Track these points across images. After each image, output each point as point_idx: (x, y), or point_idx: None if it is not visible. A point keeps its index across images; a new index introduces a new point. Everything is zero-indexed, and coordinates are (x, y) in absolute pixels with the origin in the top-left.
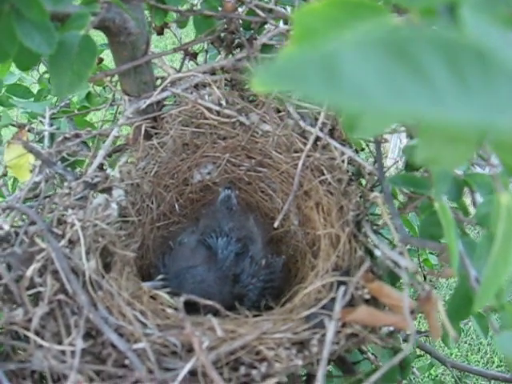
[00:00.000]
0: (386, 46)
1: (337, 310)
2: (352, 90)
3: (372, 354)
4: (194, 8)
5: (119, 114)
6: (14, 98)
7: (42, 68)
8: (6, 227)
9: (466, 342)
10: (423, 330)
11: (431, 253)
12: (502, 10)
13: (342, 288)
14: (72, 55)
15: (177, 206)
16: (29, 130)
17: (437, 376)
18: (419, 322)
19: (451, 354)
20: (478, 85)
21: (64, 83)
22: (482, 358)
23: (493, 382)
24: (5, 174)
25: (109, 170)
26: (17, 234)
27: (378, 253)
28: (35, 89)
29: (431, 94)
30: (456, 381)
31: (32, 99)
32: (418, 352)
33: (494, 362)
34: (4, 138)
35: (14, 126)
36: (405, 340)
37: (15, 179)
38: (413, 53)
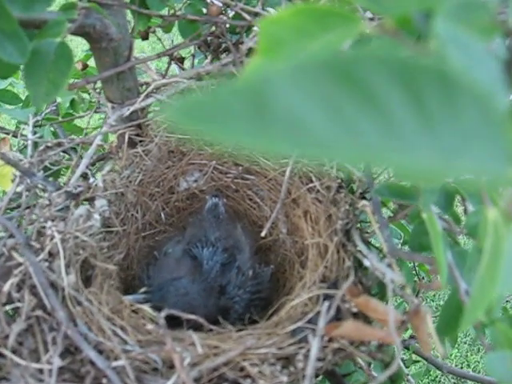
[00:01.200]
0: (328, 71)
1: (321, 325)
2: (287, 128)
3: (365, 362)
4: (178, 12)
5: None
6: (2, 104)
7: None
8: None
9: (465, 343)
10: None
11: None
12: (481, 18)
13: (327, 303)
14: (47, 64)
15: (163, 215)
16: (15, 137)
17: (436, 377)
18: None
19: (451, 355)
20: (440, 114)
21: (40, 93)
22: (481, 358)
23: None
24: None
25: (92, 179)
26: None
27: (367, 263)
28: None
29: (386, 129)
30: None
31: (20, 105)
32: (414, 358)
33: None
34: None
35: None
36: (406, 348)
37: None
38: (362, 77)
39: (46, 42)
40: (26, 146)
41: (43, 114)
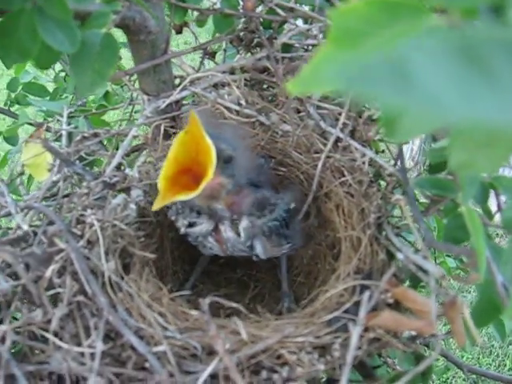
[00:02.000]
0: (457, 51)
1: (362, 314)
2: (424, 96)
3: (389, 357)
4: (215, 7)
5: (135, 113)
6: (30, 96)
7: (58, 66)
8: (25, 227)
9: (477, 345)
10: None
11: (448, 255)
12: None
13: (367, 293)
14: (93, 54)
15: None
16: (46, 129)
17: (448, 379)
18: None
19: (462, 357)
20: None
21: (85, 82)
22: (493, 361)
23: None
24: (22, 173)
25: (127, 170)
26: (35, 233)
27: (400, 256)
28: (50, 87)
29: (506, 103)
30: None
31: (47, 98)
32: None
33: (505, 365)
34: (20, 138)
35: (30, 124)
36: (426, 345)
37: (30, 178)
38: (485, 57)
39: (91, 32)
40: (57, 138)
41: (76, 106)
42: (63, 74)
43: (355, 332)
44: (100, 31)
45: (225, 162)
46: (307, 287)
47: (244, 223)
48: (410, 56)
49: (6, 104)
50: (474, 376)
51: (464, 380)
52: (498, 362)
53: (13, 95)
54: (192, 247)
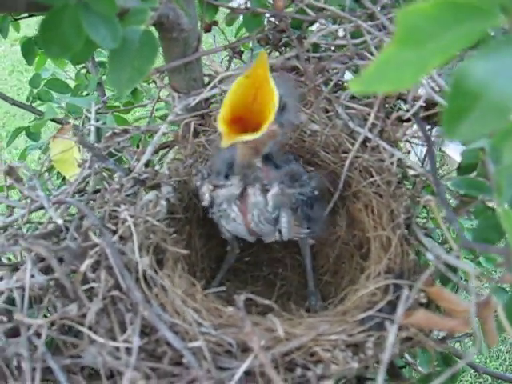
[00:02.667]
0: None
1: (399, 313)
2: None
3: (410, 357)
4: (246, 6)
5: (156, 110)
6: (52, 92)
7: None
8: (60, 221)
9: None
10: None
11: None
12: None
13: (405, 292)
14: (132, 51)
15: None
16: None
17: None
18: None
19: None
20: None
21: (123, 78)
22: (500, 365)
23: None
24: (50, 169)
25: (157, 167)
26: (67, 228)
27: (429, 257)
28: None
29: None
30: None
31: (69, 94)
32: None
33: None
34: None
35: (53, 121)
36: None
37: (58, 174)
38: None
39: (131, 29)
40: (83, 134)
41: (102, 103)
42: (84, 70)
43: (392, 331)
44: (139, 28)
45: (280, 108)
46: (334, 286)
47: (274, 190)
48: None
49: (28, 100)
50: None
51: (472, 383)
52: (505, 367)
53: (35, 91)
54: (219, 245)
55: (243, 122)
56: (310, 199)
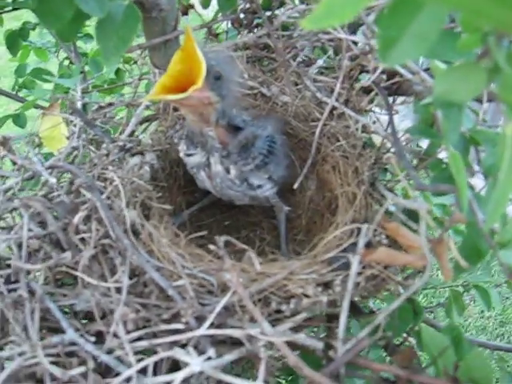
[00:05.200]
0: None
1: (360, 245)
2: None
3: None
4: None
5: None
6: (37, 81)
7: (62, 55)
8: (53, 180)
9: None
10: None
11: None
12: None
13: (364, 228)
14: (117, 22)
15: None
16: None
17: None
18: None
19: None
20: None
21: (110, 47)
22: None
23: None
24: (39, 145)
25: (141, 136)
26: (59, 191)
27: (391, 208)
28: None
29: None
30: None
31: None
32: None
33: None
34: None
35: (35, 107)
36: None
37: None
38: None
39: (116, 3)
40: (71, 112)
41: (88, 82)
42: (67, 62)
43: (355, 260)
44: (123, 2)
45: (214, 78)
46: (307, 243)
47: (233, 172)
48: None
49: (13, 89)
50: None
51: None
52: None
53: (20, 80)
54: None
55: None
56: (270, 147)
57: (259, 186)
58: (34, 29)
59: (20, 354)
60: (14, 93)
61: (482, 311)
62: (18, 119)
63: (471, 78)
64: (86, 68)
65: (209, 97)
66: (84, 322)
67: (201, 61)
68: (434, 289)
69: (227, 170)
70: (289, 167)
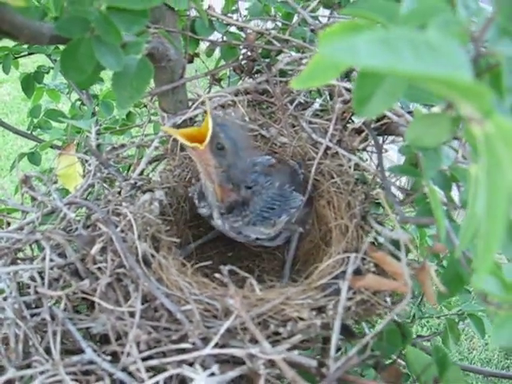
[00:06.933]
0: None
1: (349, 272)
2: None
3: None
4: (223, 39)
5: (145, 136)
6: (51, 121)
7: (74, 96)
8: (72, 215)
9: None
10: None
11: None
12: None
13: (352, 257)
14: (131, 74)
15: None
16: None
17: None
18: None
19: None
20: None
21: (125, 96)
22: None
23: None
24: (55, 182)
25: (151, 175)
26: (79, 221)
27: (381, 239)
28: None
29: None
30: None
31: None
32: None
33: None
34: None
35: (51, 147)
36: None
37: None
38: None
39: (130, 57)
40: (86, 151)
41: (100, 125)
42: (79, 102)
43: (344, 286)
44: (137, 56)
45: (217, 147)
46: (303, 272)
47: (226, 226)
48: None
49: (28, 129)
50: None
51: None
52: None
53: (35, 121)
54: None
55: None
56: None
57: (257, 239)
58: (47, 72)
59: (41, 373)
60: (29, 132)
61: (487, 343)
62: (33, 157)
63: (437, 125)
64: (96, 108)
65: (208, 159)
66: (99, 343)
67: (208, 129)
68: (430, 318)
69: (223, 224)
70: (305, 214)
